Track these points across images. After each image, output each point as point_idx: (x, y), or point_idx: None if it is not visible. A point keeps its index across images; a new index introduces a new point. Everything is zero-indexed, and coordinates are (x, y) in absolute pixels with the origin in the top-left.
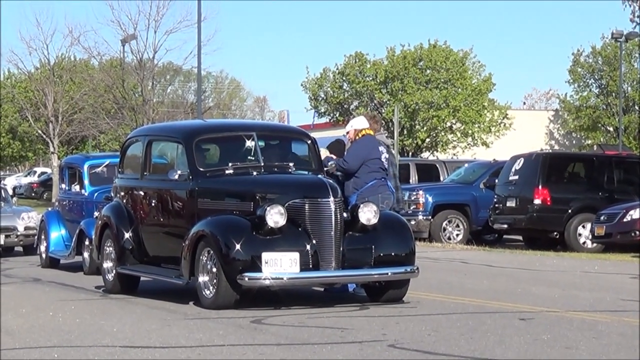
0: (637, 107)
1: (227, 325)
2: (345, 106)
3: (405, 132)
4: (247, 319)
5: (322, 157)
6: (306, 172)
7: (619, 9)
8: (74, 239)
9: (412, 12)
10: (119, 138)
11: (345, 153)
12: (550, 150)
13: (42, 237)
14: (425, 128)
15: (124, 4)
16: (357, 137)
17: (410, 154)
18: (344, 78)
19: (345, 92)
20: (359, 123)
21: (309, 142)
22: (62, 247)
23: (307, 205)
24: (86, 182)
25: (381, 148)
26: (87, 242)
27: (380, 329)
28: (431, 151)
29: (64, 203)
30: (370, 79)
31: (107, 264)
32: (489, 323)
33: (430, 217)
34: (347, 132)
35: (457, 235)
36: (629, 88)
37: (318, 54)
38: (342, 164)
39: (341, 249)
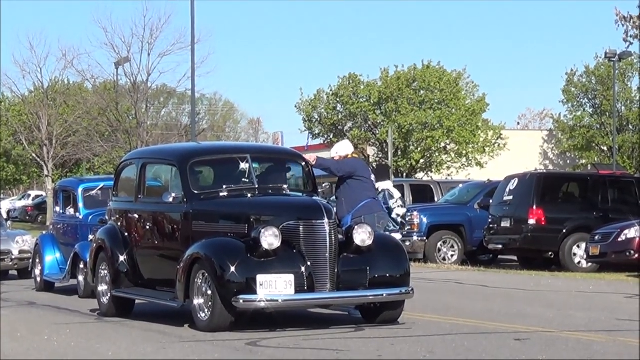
0: (631, 127)
1: (223, 348)
2: (339, 127)
3: (399, 153)
4: (243, 342)
5: (314, 159)
6: (300, 194)
7: (612, 28)
8: (68, 262)
9: (405, 33)
10: (113, 161)
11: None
12: (545, 170)
13: (37, 260)
14: (419, 149)
15: (117, 26)
16: (343, 160)
17: (404, 174)
18: (338, 99)
19: (339, 114)
20: (344, 149)
21: (303, 163)
22: (57, 270)
23: (301, 227)
24: (80, 205)
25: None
26: (81, 266)
27: (376, 350)
28: (425, 172)
29: (59, 226)
30: (364, 100)
31: (102, 287)
32: (484, 344)
33: (425, 238)
34: (333, 158)
35: (452, 255)
36: (623, 107)
37: (312, 75)
38: (331, 164)
39: (336, 270)
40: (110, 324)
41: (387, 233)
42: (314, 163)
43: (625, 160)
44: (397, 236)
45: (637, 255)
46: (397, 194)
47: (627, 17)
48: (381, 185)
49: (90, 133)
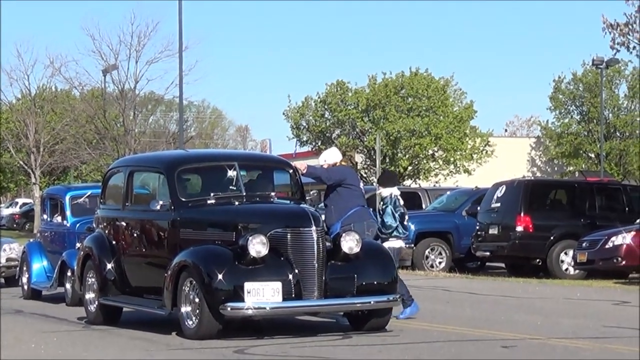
0: (618, 134)
1: (210, 356)
2: (327, 135)
3: (387, 160)
4: (230, 349)
5: (304, 167)
6: (288, 202)
7: (599, 35)
8: (56, 270)
9: (393, 40)
10: (100, 168)
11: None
12: (532, 177)
13: (24, 268)
14: (407, 156)
15: (105, 34)
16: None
17: None
18: (326, 107)
19: (327, 121)
20: (332, 157)
21: (291, 171)
22: (44, 278)
23: (289, 234)
24: (68, 213)
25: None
26: (69, 273)
27: (364, 358)
28: (413, 179)
29: (46, 234)
30: (352, 107)
31: (90, 295)
32: (471, 351)
33: (412, 245)
34: (321, 166)
35: (440, 263)
36: (610, 114)
37: (300, 82)
38: (321, 172)
39: (323, 278)
40: (98, 332)
41: (395, 239)
42: (304, 171)
43: (612, 167)
44: (402, 243)
45: (624, 262)
46: (401, 200)
47: (614, 24)
48: (389, 192)
49: (78, 140)
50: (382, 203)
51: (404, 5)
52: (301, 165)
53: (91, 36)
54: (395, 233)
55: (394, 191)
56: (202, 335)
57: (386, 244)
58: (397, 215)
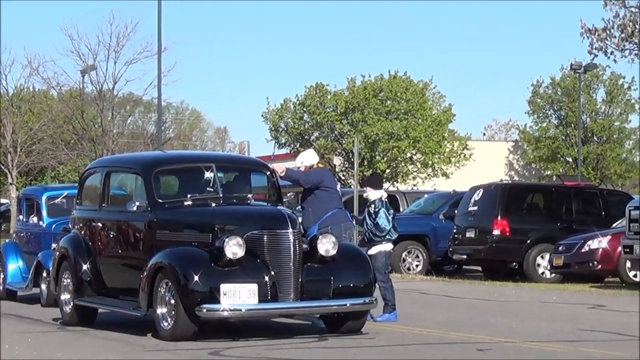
0: (595, 138)
1: (185, 357)
2: (305, 137)
3: (365, 163)
4: (205, 351)
5: (282, 170)
6: (265, 204)
7: (578, 40)
8: (31, 271)
9: (372, 43)
10: (78, 169)
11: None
12: (510, 181)
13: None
14: (385, 159)
15: (83, 34)
16: (310, 170)
17: None
18: (305, 109)
19: (305, 123)
20: (309, 159)
21: (268, 173)
22: (20, 279)
23: (265, 236)
24: (44, 213)
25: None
26: (44, 274)
27: None
28: (391, 182)
29: (22, 234)
30: (331, 109)
31: (65, 296)
32: (447, 354)
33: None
34: (298, 168)
35: (417, 266)
36: (588, 119)
37: (279, 84)
38: (299, 176)
39: (300, 280)
40: (73, 333)
41: (385, 242)
42: (282, 174)
43: (590, 171)
44: (391, 245)
45: (600, 266)
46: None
47: (592, 29)
48: (378, 194)
49: (56, 141)
50: (373, 206)
51: (383, 8)
52: (279, 168)
53: (69, 36)
54: (387, 236)
55: (383, 194)
56: (177, 337)
57: (377, 247)
58: (390, 217)
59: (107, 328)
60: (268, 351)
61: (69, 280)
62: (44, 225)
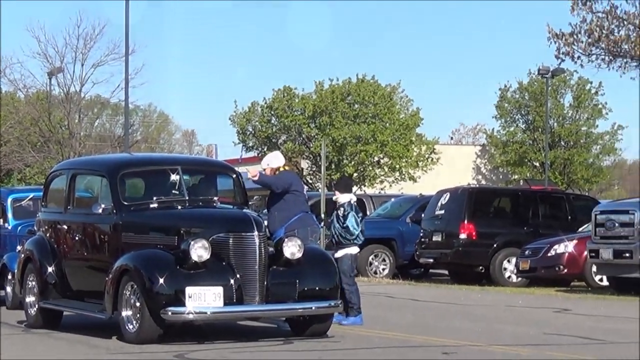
0: (563, 143)
1: None
2: (273, 140)
3: (332, 166)
4: (170, 354)
5: (256, 175)
6: (231, 207)
7: (545, 45)
8: None
9: (340, 46)
10: (45, 171)
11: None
12: (477, 185)
13: None
14: (352, 162)
15: (50, 36)
16: (276, 173)
17: None
18: (272, 112)
19: (273, 127)
20: (276, 161)
21: (234, 176)
22: None
23: (231, 239)
24: (9, 215)
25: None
26: (9, 276)
27: None
28: (359, 186)
29: None
30: (299, 113)
31: (30, 299)
32: (412, 357)
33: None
34: (264, 170)
35: (384, 269)
36: (555, 124)
37: (246, 88)
38: (271, 181)
39: (265, 283)
40: (38, 336)
41: (352, 246)
42: (255, 179)
43: (557, 176)
44: (357, 249)
45: (566, 270)
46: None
47: (560, 34)
48: (347, 198)
49: (22, 143)
50: (342, 209)
51: (350, 11)
52: (253, 172)
53: (37, 38)
54: (355, 240)
55: (352, 197)
56: (142, 340)
57: (344, 251)
58: (359, 221)
59: (72, 331)
60: (233, 354)
61: (34, 283)
62: (9, 228)
